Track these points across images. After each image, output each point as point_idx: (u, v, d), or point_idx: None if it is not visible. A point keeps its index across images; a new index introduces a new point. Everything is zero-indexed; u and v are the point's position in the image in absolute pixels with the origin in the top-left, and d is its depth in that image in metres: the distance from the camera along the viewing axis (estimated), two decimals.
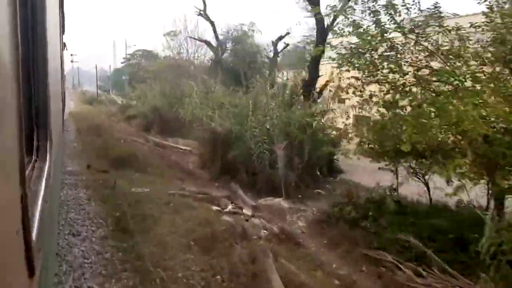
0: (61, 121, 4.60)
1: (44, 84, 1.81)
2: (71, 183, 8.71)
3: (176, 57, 30.94)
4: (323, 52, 14.44)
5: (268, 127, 11.88)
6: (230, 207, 9.22)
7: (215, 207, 9.11)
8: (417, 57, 7.90)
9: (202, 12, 24.44)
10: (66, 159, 10.94)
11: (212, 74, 19.37)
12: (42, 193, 1.37)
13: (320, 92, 15.80)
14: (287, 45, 20.84)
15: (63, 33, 6.69)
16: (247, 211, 9.36)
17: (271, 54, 21.95)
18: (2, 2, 0.80)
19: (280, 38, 22.08)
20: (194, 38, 27.74)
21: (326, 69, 16.31)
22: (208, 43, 26.07)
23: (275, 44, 21.90)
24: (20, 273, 0.93)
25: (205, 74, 26.56)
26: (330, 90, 15.37)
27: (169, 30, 31.62)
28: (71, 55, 61.50)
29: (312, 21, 16.88)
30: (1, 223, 0.76)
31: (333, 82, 15.99)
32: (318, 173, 13.14)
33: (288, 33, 21.55)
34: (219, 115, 12.71)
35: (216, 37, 25.18)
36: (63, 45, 8.26)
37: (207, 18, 25.43)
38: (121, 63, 77.01)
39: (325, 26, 14.15)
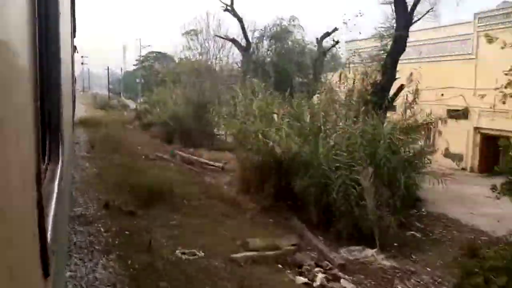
0: (71, 124, 4.68)
1: (57, 88, 1.85)
2: (82, 242, 5.48)
3: (195, 58, 28.62)
4: (405, 43, 11.26)
5: (346, 147, 8.62)
6: (320, 276, 5.95)
7: (300, 278, 5.84)
8: None
9: (229, 8, 21.30)
10: (76, 193, 7.78)
11: (246, 77, 16.07)
12: (55, 195, 1.42)
13: (393, 99, 12.54)
14: (336, 42, 17.33)
15: (74, 37, 6.74)
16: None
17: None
18: (21, 8, 0.85)
19: (327, 34, 18.70)
20: (221, 37, 24.56)
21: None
22: (235, 42, 22.91)
23: (320, 41, 18.50)
24: (36, 274, 0.94)
25: (235, 77, 23.60)
26: (407, 96, 12.17)
27: (189, 29, 28.34)
28: (82, 57, 58.22)
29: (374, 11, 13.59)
30: (19, 227, 0.78)
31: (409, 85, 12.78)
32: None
33: (336, 29, 18.20)
34: (276, 128, 9.48)
35: (245, 35, 22.03)
36: (74, 49, 8.27)
37: (235, 14, 22.32)
38: (134, 65, 75.15)
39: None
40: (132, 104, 57.31)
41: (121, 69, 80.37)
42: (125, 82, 79.93)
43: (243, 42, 22.61)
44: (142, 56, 72.47)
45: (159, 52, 66.18)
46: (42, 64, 1.50)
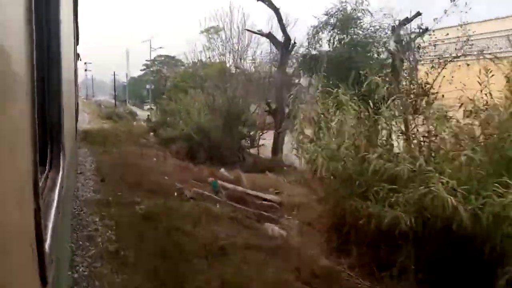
0: (74, 132, 4.92)
1: (58, 97, 1.97)
2: None
3: (215, 59, 25.91)
4: None
5: None
6: None
7: None
8: None
9: None
10: None
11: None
12: (55, 204, 1.48)
13: None
14: (425, 30, 12.75)
15: (77, 44, 6.86)
16: None
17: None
18: (18, 15, 0.88)
19: (407, 20, 14.29)
20: (255, 32, 21.07)
21: None
22: (271, 37, 18.88)
23: (397, 29, 14.03)
24: (33, 284, 1.01)
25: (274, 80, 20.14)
26: None
27: (208, 27, 24.75)
28: (85, 63, 58.35)
29: None
30: (16, 236, 0.82)
31: None
32: None
33: (419, 14, 13.78)
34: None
35: (283, 28, 18.22)
36: (77, 56, 8.09)
37: (270, 4, 18.30)
38: (141, 70, 72.57)
39: None
40: (138, 111, 55.67)
41: (126, 74, 78.17)
42: (130, 88, 77.99)
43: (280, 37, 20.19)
44: (149, 61, 69.70)
45: (168, 56, 63.10)
46: (43, 72, 1.60)
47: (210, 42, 25.92)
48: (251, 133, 21.42)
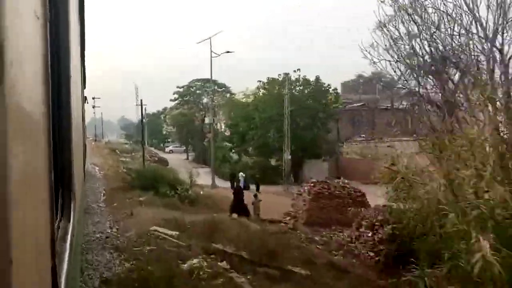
0: (82, 177, 4.95)
1: (68, 143, 1.98)
2: None
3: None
4: None
5: None
6: None
7: None
8: None
9: None
10: None
11: None
12: (67, 255, 1.48)
13: None
14: None
15: (84, 88, 7.06)
16: None
17: None
18: (36, 72, 0.93)
19: None
20: None
21: None
22: None
23: None
24: None
25: None
26: None
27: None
28: (93, 98, 52.82)
29: None
30: (34, 285, 0.82)
31: None
32: None
33: None
34: None
35: None
36: (84, 99, 8.36)
37: None
38: (171, 100, 59.76)
39: None
40: (164, 155, 51.36)
41: (143, 111, 66.48)
42: (151, 127, 70.18)
43: None
44: (183, 87, 58.34)
45: (207, 80, 49.37)
46: (54, 120, 1.61)
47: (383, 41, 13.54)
48: None
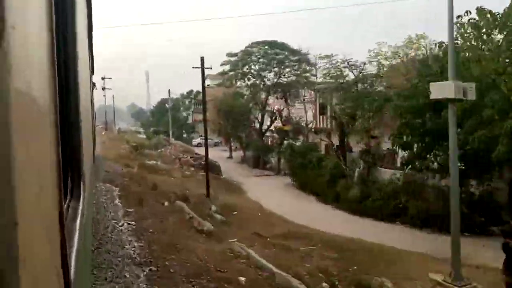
0: (92, 159, 5.07)
1: (77, 126, 2.03)
2: None
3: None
4: None
5: None
6: None
7: None
8: None
9: None
10: None
11: None
12: (77, 233, 1.53)
13: None
14: None
15: (92, 74, 6.93)
16: None
17: None
18: (42, 55, 0.93)
19: None
20: None
21: None
22: None
23: None
24: None
25: None
26: None
27: None
28: (102, 78, 50.31)
29: None
30: (43, 267, 0.85)
31: None
32: None
33: None
34: None
35: None
36: (93, 85, 8.11)
37: None
38: (219, 73, 40.49)
39: None
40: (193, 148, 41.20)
41: (169, 94, 58.00)
42: (174, 114, 59.32)
43: None
44: (236, 55, 38.51)
45: (274, 42, 36.61)
46: (62, 105, 1.67)
47: None
48: None
